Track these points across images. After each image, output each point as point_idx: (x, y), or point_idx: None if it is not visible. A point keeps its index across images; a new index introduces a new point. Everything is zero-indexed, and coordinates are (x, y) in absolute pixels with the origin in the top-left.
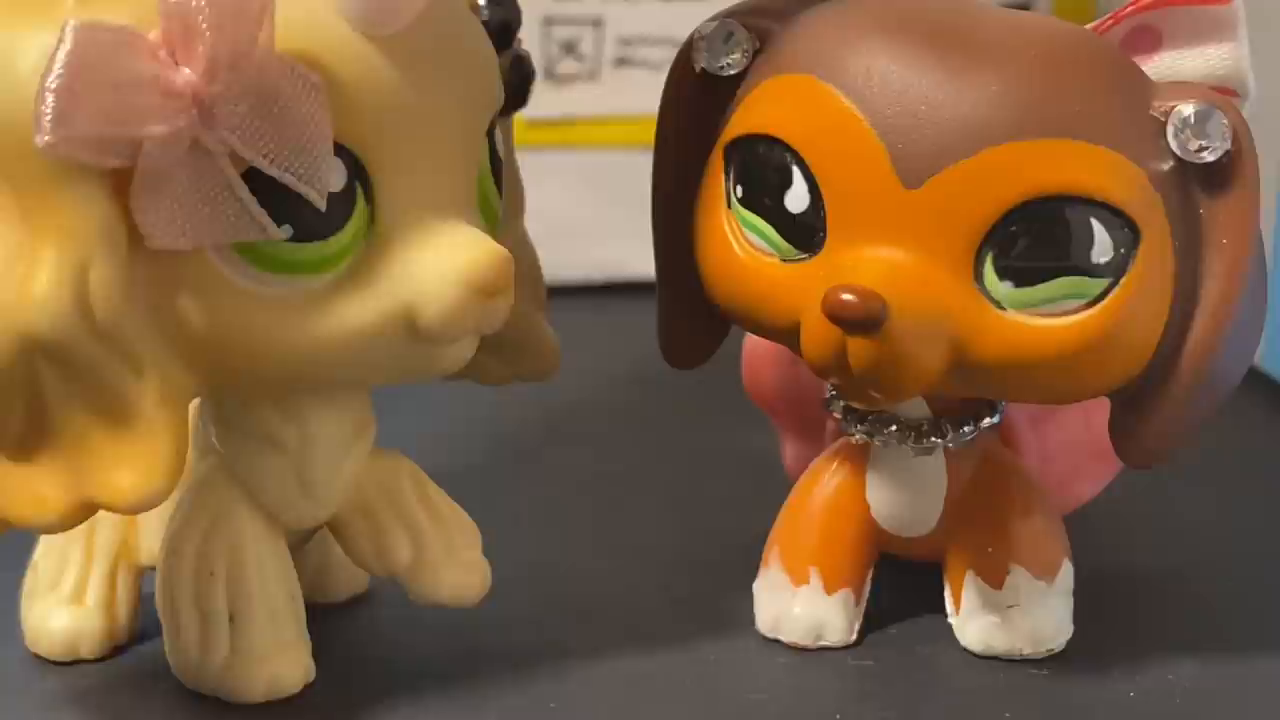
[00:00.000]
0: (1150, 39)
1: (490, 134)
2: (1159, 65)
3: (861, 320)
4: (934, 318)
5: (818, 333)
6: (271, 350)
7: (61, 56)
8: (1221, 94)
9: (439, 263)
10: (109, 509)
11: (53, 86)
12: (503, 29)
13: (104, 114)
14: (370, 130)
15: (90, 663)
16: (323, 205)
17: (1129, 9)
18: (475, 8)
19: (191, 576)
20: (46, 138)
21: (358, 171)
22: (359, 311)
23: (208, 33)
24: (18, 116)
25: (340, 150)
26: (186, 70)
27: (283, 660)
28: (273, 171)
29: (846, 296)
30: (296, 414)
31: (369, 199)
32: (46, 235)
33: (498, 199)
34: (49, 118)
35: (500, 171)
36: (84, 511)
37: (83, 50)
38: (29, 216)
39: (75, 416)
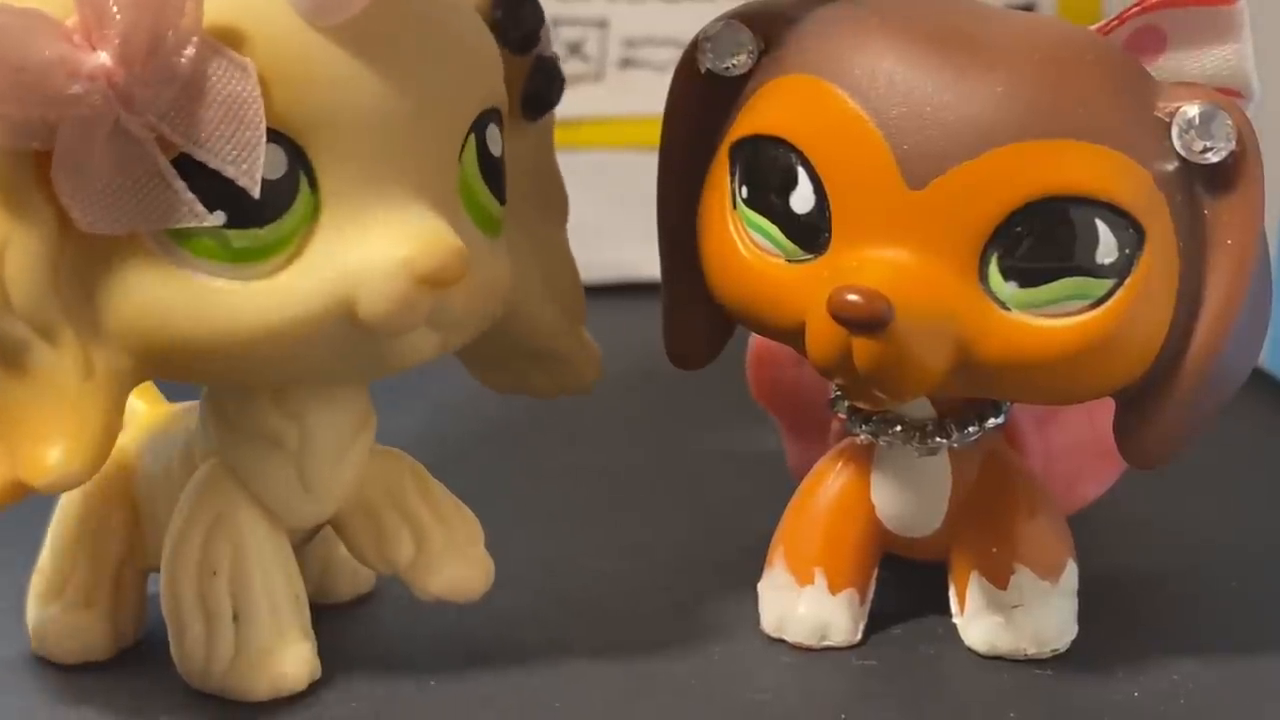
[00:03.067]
0: (1155, 40)
1: (481, 131)
2: (1163, 66)
3: (867, 320)
4: (939, 318)
5: (823, 333)
6: (207, 338)
7: None
8: (1226, 95)
9: (381, 252)
10: (34, 488)
11: None
12: (518, 29)
13: (11, 96)
14: (312, 117)
15: (97, 664)
16: (256, 192)
17: (1133, 10)
18: (483, 4)
19: (195, 576)
20: None
21: (300, 159)
22: (297, 301)
23: (119, 16)
24: None
25: (279, 137)
26: (102, 54)
27: (287, 659)
28: (202, 157)
29: (852, 297)
30: (297, 413)
31: (314, 187)
32: None
33: (493, 200)
34: None
35: (501, 172)
36: (14, 491)
37: None
38: None
39: (2, 393)
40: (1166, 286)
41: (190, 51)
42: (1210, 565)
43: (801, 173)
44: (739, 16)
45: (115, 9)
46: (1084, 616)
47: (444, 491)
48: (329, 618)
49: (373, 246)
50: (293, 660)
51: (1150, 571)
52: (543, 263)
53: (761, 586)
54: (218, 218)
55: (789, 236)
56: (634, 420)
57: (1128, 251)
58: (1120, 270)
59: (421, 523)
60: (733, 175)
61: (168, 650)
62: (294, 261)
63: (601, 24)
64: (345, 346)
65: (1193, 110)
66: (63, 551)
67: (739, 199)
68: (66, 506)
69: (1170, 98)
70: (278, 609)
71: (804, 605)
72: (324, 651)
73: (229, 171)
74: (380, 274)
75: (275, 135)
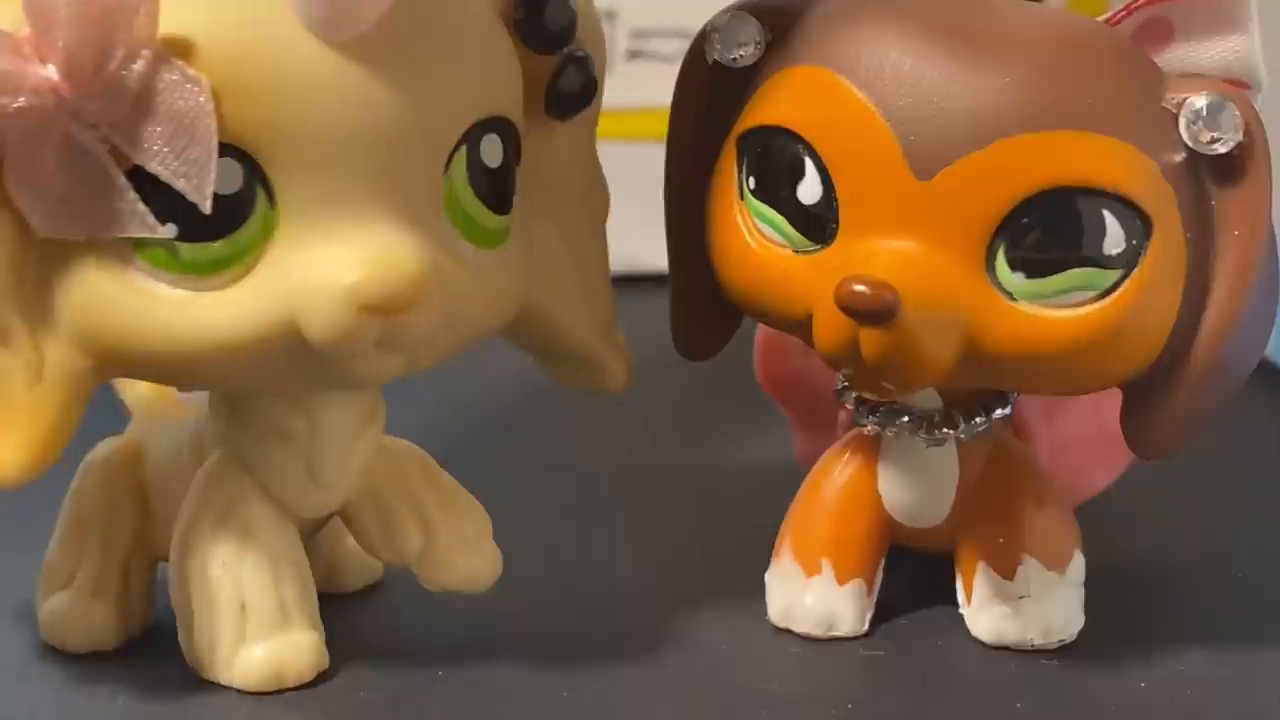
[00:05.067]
0: (1163, 31)
1: (475, 142)
2: (1171, 57)
3: (874, 311)
4: (946, 309)
5: (830, 324)
6: (159, 346)
7: None
8: (1234, 85)
9: (327, 276)
10: None
11: None
12: (541, 30)
13: None
14: (270, 132)
15: (104, 653)
16: (206, 208)
17: (1141, 1)
18: (506, 5)
19: (203, 566)
20: None
21: (258, 174)
22: (244, 317)
23: (66, 29)
24: None
25: (237, 152)
26: (50, 67)
27: (293, 650)
28: (154, 170)
29: (859, 288)
30: (305, 404)
31: (273, 202)
32: None
33: (487, 212)
34: None
35: (503, 184)
36: None
37: None
38: None
39: None
40: (1174, 277)
41: (140, 66)
42: (1218, 556)
43: (809, 164)
44: (746, 7)
45: (62, 22)
46: (1091, 607)
47: (452, 483)
48: (339, 608)
49: (321, 268)
50: (298, 651)
51: (1157, 562)
52: (577, 264)
53: (769, 577)
54: (169, 230)
55: (796, 227)
56: (641, 411)
57: (1135, 242)
58: (1127, 261)
59: (429, 514)
60: (740, 166)
61: (176, 640)
62: (248, 275)
63: (609, 15)
64: (297, 364)
65: (1200, 101)
66: (71, 540)
67: (746, 190)
68: (76, 495)
69: (1178, 89)
70: (284, 600)
71: (811, 596)
72: (335, 642)
73: (179, 185)
74: (323, 299)
75: (232, 150)
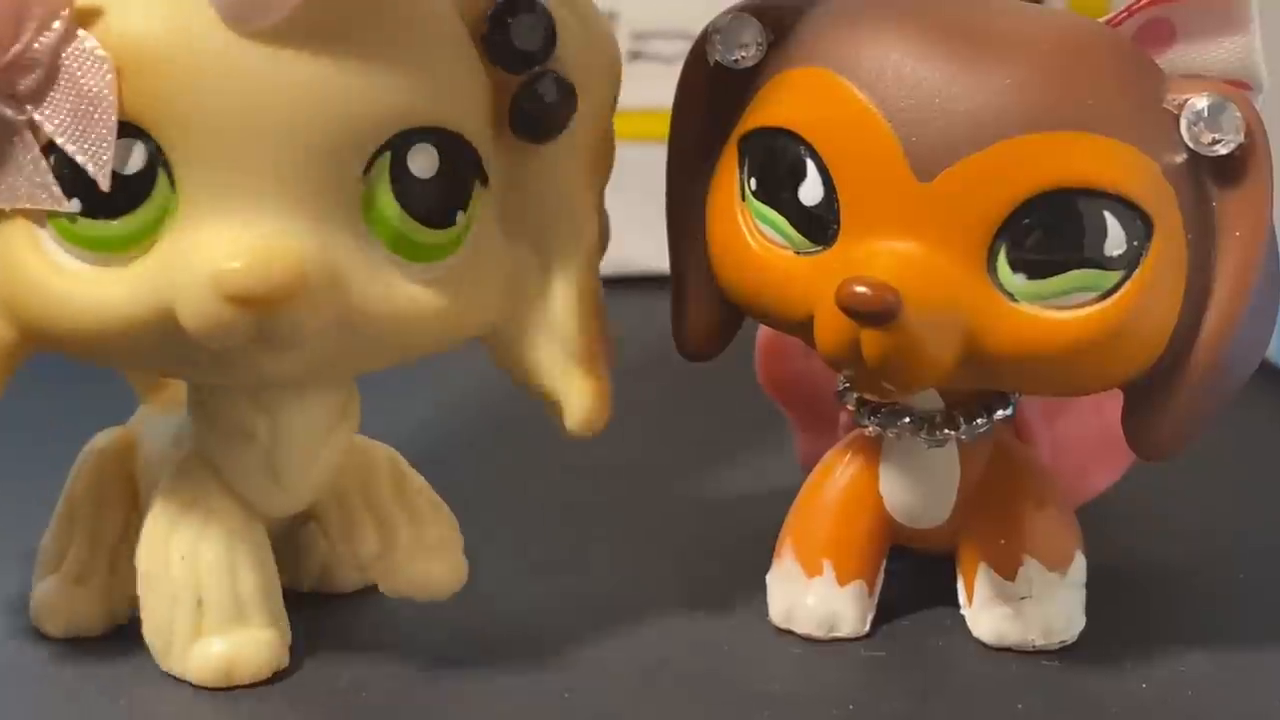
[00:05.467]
0: (1164, 32)
1: (402, 150)
2: (1172, 58)
3: (875, 312)
4: (947, 310)
5: (831, 325)
6: (65, 321)
7: None
8: (1235, 86)
9: (201, 264)
10: None
11: None
12: (503, 48)
13: None
14: (173, 116)
15: (90, 640)
16: (105, 185)
17: (1142, 2)
18: (476, 19)
19: (163, 560)
20: None
21: (161, 158)
22: (130, 298)
23: None
24: None
25: (141, 133)
26: None
27: (248, 647)
28: (62, 144)
29: (860, 289)
30: (268, 404)
31: (175, 185)
32: None
33: (414, 224)
34: None
35: (434, 196)
36: None
37: None
38: None
39: None
40: (1175, 278)
41: (50, 38)
42: (1218, 557)
43: (810, 165)
44: (748, 9)
45: None
46: (1092, 608)
47: (423, 490)
48: (338, 609)
49: (198, 255)
50: (254, 648)
51: (1158, 563)
52: (550, 296)
53: (770, 578)
54: (74, 205)
55: (797, 228)
56: (641, 412)
57: (1136, 243)
58: (1129, 262)
59: (390, 518)
60: (741, 168)
61: None
62: (145, 257)
63: (610, 17)
64: (185, 350)
65: (1201, 102)
66: (63, 526)
67: (748, 191)
68: (72, 481)
69: (1179, 90)
70: (241, 596)
71: (812, 596)
72: (335, 643)
73: (81, 161)
74: (193, 286)
75: (137, 130)
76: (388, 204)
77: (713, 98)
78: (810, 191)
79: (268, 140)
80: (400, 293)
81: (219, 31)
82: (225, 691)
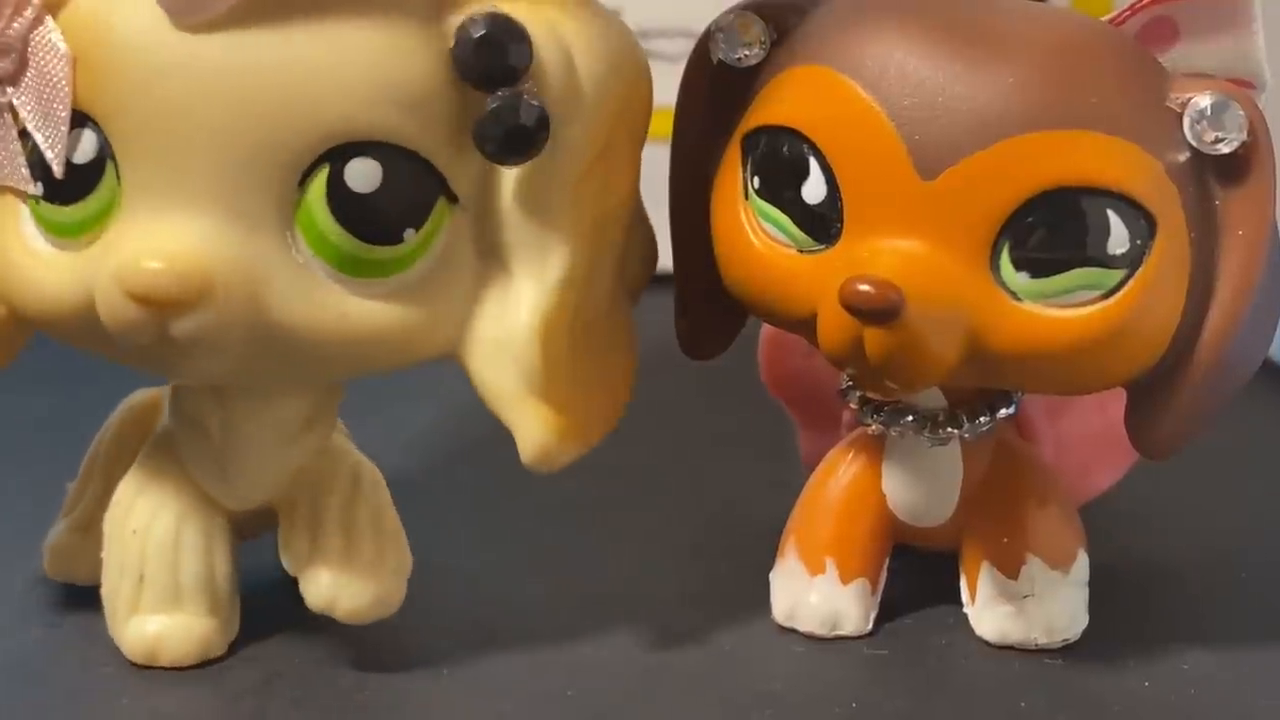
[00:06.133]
0: (1167, 31)
1: (340, 163)
2: (1175, 56)
3: (878, 310)
4: (950, 308)
5: (834, 323)
6: (30, 301)
7: None
8: (1238, 85)
9: (114, 259)
10: None
11: None
12: (466, 65)
13: None
14: (117, 108)
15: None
16: (58, 172)
17: (1145, 1)
18: (445, 35)
19: (119, 531)
20: None
21: (110, 150)
22: (73, 285)
23: None
24: None
25: (93, 124)
26: None
27: (176, 632)
28: (28, 128)
29: (863, 287)
30: (223, 403)
31: (120, 180)
32: None
33: (352, 239)
34: None
35: (377, 211)
36: None
37: None
38: None
39: None
40: (1178, 277)
41: (21, 24)
42: (1221, 556)
43: (813, 163)
44: (751, 7)
45: None
46: (1095, 606)
47: (378, 511)
48: None
49: (118, 251)
50: (182, 634)
51: (1161, 562)
52: (505, 320)
53: (773, 576)
54: (37, 188)
55: (800, 227)
56: (644, 410)
57: (1139, 242)
58: (1132, 261)
59: (325, 530)
60: (745, 166)
61: None
62: (92, 245)
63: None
64: (111, 342)
65: (1204, 101)
66: (85, 474)
67: (751, 190)
68: (100, 432)
69: (1182, 88)
70: (180, 582)
71: (815, 595)
72: (336, 640)
73: (42, 146)
74: (104, 281)
75: (90, 120)
76: (323, 218)
77: (716, 96)
78: (813, 190)
79: (202, 142)
80: (329, 308)
81: (165, 28)
82: (226, 688)
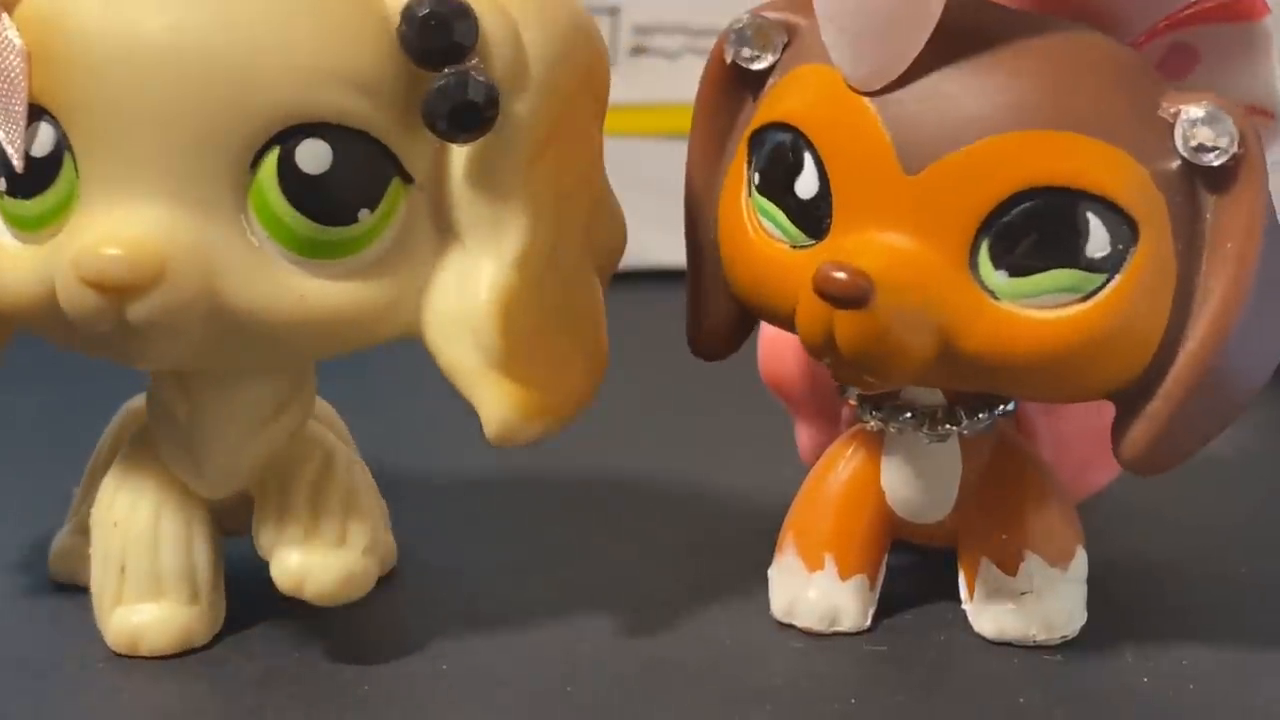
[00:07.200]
0: (1188, 56)
1: (290, 145)
2: (1194, 83)
3: (847, 296)
4: (923, 300)
5: (809, 310)
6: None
7: None
8: (1256, 114)
9: (70, 248)
10: None
11: None
12: (411, 44)
13: None
14: (72, 100)
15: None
16: (17, 166)
17: (1162, 25)
18: (392, 14)
19: (101, 522)
20: None
21: (67, 142)
22: (35, 278)
23: None
24: None
25: (50, 118)
26: None
27: (156, 622)
28: None
29: (835, 273)
30: (189, 391)
31: (78, 172)
32: None
33: (304, 220)
34: None
35: (328, 193)
36: None
37: None
38: None
39: None
40: (1161, 287)
41: None
42: (1220, 552)
43: (807, 158)
44: (766, 9)
45: None
46: (1093, 603)
47: (350, 491)
48: None
49: (74, 240)
50: (161, 623)
51: (1160, 558)
52: (464, 296)
53: (772, 572)
54: (0, 183)
55: (794, 222)
56: (644, 405)
57: (1120, 247)
58: (1112, 265)
59: (291, 509)
60: (749, 164)
61: None
62: (55, 237)
63: (613, 11)
64: (76, 332)
65: (1196, 111)
66: (88, 478)
67: (752, 187)
68: (103, 436)
69: (1175, 98)
70: (160, 571)
71: (814, 591)
72: (338, 635)
73: (1, 141)
74: (61, 270)
75: (47, 114)
76: (276, 200)
77: (731, 97)
78: (806, 185)
79: (151, 129)
80: (287, 290)
81: (110, 16)
82: (226, 682)
